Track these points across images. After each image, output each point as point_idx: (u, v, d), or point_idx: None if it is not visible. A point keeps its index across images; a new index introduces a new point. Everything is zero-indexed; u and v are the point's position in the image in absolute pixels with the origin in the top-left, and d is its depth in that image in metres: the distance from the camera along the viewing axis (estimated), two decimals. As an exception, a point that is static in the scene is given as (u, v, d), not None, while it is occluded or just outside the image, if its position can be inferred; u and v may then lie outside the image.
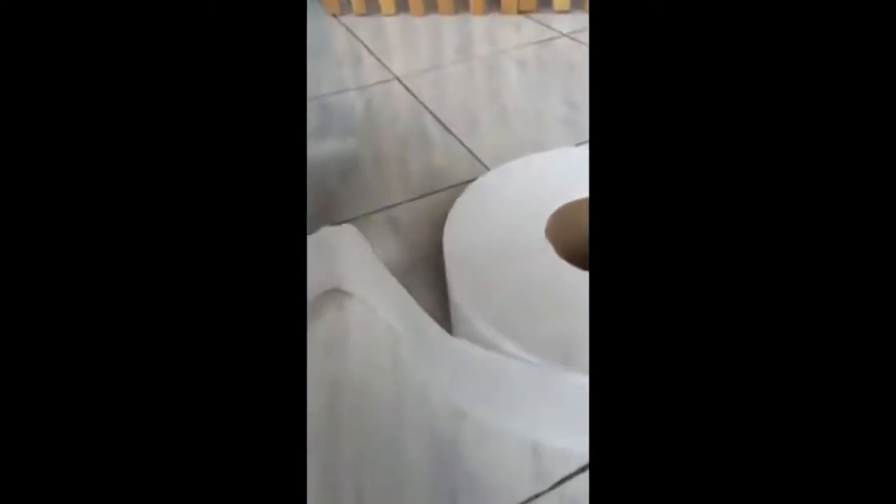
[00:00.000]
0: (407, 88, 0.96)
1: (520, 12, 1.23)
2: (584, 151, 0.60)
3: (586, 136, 0.78)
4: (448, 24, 1.21)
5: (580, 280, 0.44)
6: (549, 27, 1.15)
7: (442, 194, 0.70)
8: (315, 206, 0.69)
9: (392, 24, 1.25)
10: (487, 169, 0.74)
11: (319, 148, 0.82)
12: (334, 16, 1.30)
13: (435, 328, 0.42)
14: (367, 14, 1.29)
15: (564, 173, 0.57)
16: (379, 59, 1.08)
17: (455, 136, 0.82)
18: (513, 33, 1.14)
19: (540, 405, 0.39)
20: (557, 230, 0.52)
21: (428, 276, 0.58)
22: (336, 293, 0.57)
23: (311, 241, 0.52)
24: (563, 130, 0.80)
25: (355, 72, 1.04)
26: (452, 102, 0.91)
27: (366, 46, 1.14)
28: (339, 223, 0.64)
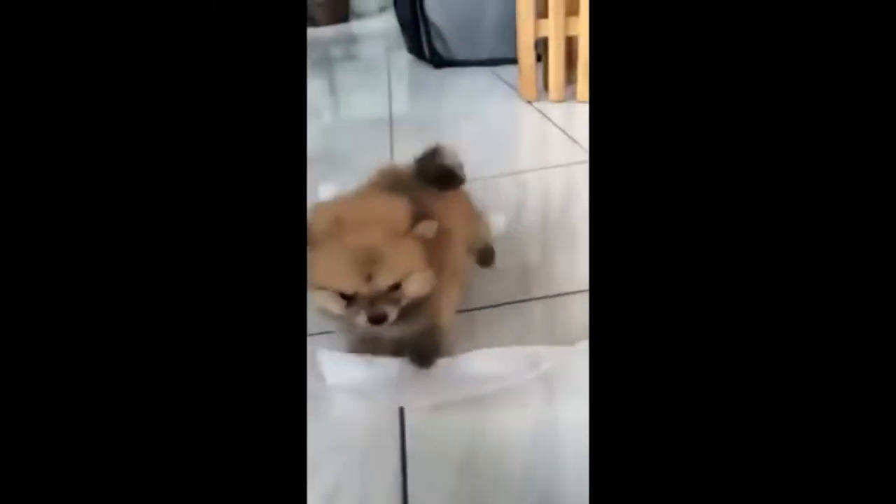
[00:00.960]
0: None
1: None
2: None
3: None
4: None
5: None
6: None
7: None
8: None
9: (588, 110, 1.25)
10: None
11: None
12: (529, 102, 1.35)
13: None
14: (563, 100, 1.31)
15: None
16: (575, 141, 1.08)
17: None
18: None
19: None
20: None
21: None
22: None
23: None
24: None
25: (549, 153, 1.05)
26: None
27: (561, 129, 1.15)
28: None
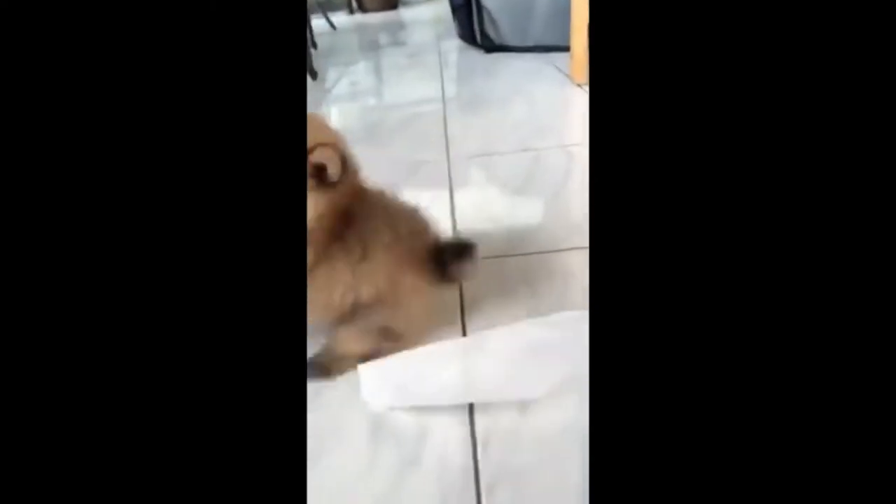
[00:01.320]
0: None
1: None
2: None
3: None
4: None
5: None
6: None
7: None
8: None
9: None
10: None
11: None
12: (580, 85, 1.38)
13: None
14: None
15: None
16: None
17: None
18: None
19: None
20: None
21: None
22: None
23: None
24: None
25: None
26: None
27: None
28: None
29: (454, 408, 0.49)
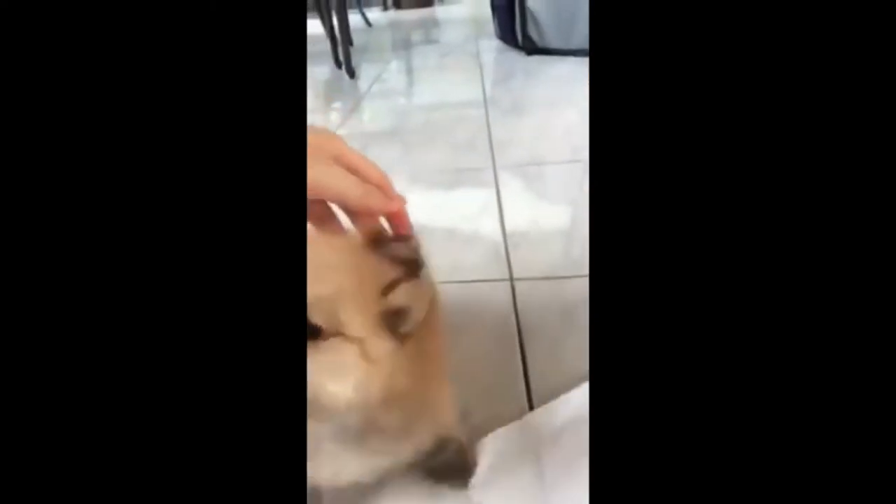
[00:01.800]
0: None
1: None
2: None
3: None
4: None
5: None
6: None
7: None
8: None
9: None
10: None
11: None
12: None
13: None
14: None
15: None
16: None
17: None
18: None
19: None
20: None
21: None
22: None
23: None
24: None
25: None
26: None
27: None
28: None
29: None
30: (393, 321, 0.28)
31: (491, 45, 1.96)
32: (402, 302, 0.28)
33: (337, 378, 0.27)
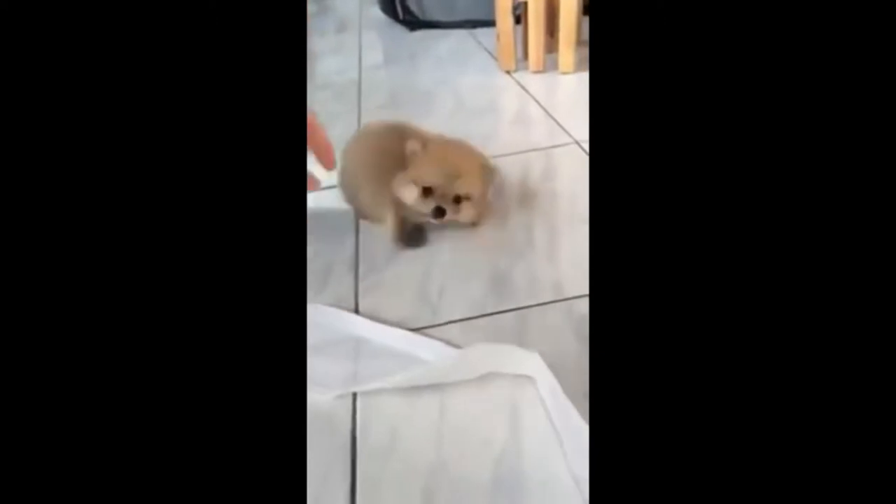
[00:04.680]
0: (588, 154, 0.87)
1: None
2: None
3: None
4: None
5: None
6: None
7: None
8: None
9: (569, 83, 1.18)
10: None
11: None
12: (508, 73, 1.26)
13: None
14: (543, 71, 1.23)
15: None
16: (556, 121, 1.01)
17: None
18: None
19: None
20: None
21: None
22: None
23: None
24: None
25: (529, 133, 0.98)
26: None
27: (541, 106, 1.08)
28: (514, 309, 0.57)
29: None
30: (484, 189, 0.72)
31: (378, 17, 1.84)
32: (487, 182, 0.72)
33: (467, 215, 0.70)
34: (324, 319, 0.59)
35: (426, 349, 0.55)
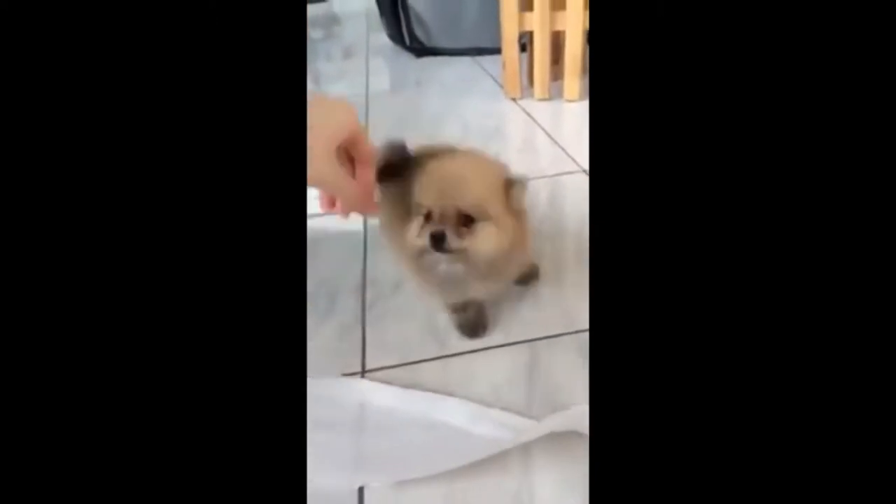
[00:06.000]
0: (594, 184, 0.87)
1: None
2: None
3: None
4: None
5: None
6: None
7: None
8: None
9: (575, 111, 1.18)
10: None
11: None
12: (514, 100, 1.27)
13: None
14: (549, 99, 1.24)
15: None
16: (563, 149, 1.01)
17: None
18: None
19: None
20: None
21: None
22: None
23: None
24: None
25: (535, 160, 0.98)
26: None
27: (547, 134, 1.08)
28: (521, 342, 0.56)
29: None
30: (510, 208, 0.51)
31: (385, 43, 1.86)
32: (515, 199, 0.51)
33: (485, 241, 0.48)
34: (327, 392, 0.54)
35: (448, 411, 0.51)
